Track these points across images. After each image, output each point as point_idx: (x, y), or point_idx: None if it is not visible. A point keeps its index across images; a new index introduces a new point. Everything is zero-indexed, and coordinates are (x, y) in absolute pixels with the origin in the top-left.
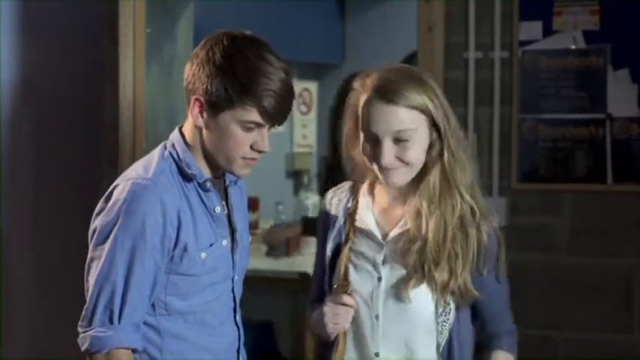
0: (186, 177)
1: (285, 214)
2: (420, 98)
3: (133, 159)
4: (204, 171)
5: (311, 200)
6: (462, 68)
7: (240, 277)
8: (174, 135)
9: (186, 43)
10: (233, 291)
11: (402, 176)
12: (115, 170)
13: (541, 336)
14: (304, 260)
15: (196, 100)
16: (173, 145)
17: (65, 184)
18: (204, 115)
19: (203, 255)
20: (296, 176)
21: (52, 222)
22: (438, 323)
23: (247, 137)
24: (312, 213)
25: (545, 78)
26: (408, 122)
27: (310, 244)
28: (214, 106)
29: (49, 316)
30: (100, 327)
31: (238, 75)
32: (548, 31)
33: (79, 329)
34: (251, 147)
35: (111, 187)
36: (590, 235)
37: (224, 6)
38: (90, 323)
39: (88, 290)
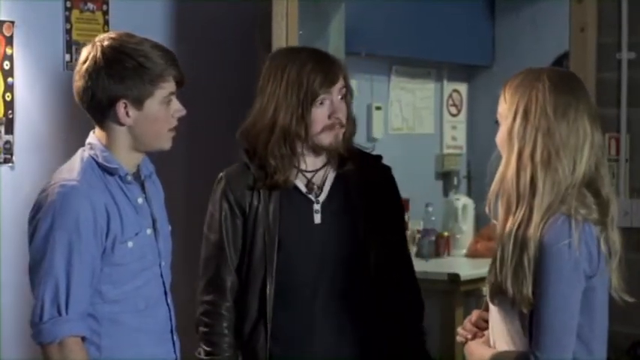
0: (109, 173)
1: (434, 216)
2: None
3: None
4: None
5: (461, 202)
6: (615, 69)
7: (167, 262)
8: (90, 140)
9: (338, 44)
10: (162, 276)
11: None
12: None
13: None
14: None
15: (121, 104)
16: (90, 148)
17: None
18: (130, 113)
19: (130, 244)
20: (445, 178)
21: (200, 227)
22: None
23: (168, 111)
24: (461, 214)
25: None
26: None
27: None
28: (138, 101)
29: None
30: (49, 319)
31: (141, 63)
32: None
33: (31, 327)
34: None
35: (38, 196)
36: None
37: (374, 7)
38: (40, 318)
39: (33, 290)
